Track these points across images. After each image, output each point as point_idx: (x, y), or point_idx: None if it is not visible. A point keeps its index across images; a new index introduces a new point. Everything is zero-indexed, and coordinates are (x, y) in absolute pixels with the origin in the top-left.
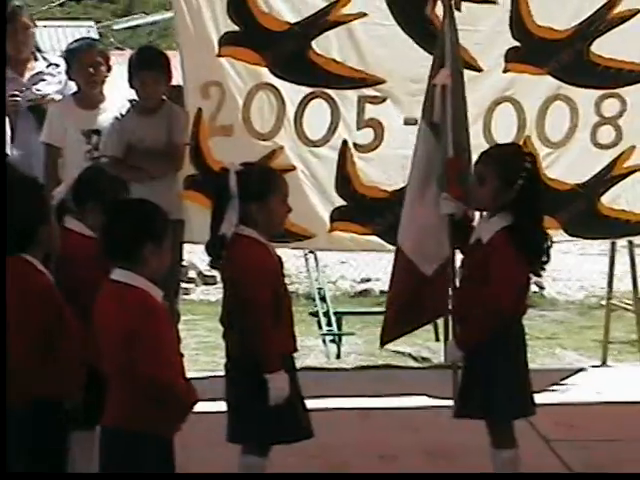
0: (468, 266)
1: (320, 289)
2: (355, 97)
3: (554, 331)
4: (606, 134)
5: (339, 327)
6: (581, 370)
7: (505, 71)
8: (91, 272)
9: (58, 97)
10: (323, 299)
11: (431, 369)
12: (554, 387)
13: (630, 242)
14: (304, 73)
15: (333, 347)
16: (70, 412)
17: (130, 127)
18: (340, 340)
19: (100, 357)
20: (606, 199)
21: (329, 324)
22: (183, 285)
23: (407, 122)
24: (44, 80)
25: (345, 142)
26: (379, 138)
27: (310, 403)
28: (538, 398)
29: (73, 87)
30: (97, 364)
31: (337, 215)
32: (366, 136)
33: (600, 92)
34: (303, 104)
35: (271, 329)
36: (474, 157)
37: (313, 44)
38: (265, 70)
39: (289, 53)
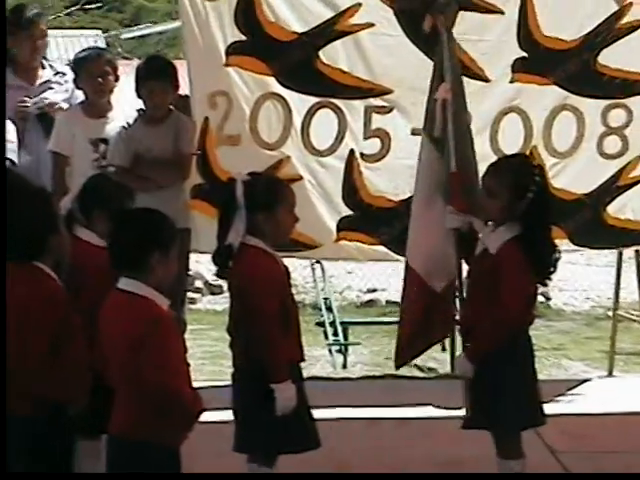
0: (475, 277)
1: (326, 299)
2: (362, 107)
3: (560, 342)
4: (612, 144)
5: (345, 337)
6: (587, 381)
7: (512, 81)
8: (102, 281)
9: (65, 106)
10: (329, 309)
11: (437, 379)
12: (560, 398)
13: (637, 252)
14: (311, 83)
15: (339, 357)
16: (75, 418)
17: (137, 136)
18: (346, 350)
19: (106, 366)
20: (612, 209)
21: (335, 334)
22: (190, 294)
23: (414, 132)
24: (52, 89)
25: (352, 152)
26: (386, 148)
27: (316, 413)
28: (545, 409)
29: (80, 96)
30: (103, 372)
31: (344, 225)
32: (373, 146)
33: (606, 102)
34: (310, 114)
35: (278, 339)
36: (481, 167)
37: (320, 54)
38: (272, 80)
39: (296, 63)
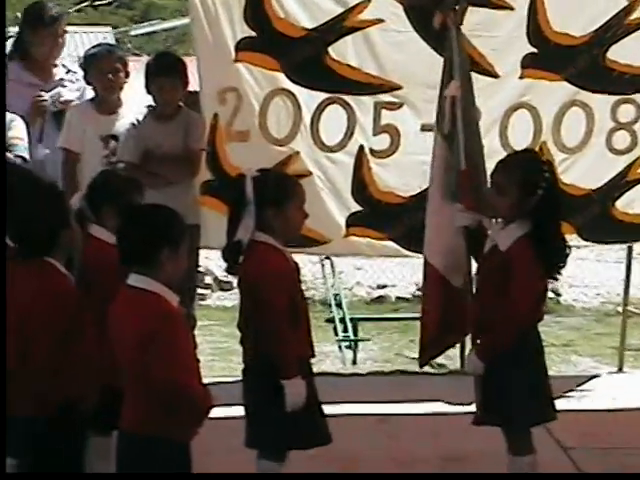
0: (485, 274)
1: (336, 295)
2: (371, 103)
3: (570, 338)
4: (621, 139)
5: (355, 333)
6: (597, 377)
7: (521, 77)
8: (113, 278)
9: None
10: (339, 305)
11: (447, 375)
12: (570, 394)
13: None
14: (320, 79)
15: (349, 353)
16: (86, 415)
17: (147, 133)
18: (356, 346)
19: (116, 362)
20: (621, 204)
21: (345, 330)
22: (199, 291)
23: (424, 128)
24: (65, 87)
25: (361, 147)
26: (395, 144)
27: (326, 409)
28: (555, 404)
29: (90, 93)
30: (113, 369)
31: (353, 220)
32: (382, 142)
33: (616, 98)
34: (319, 110)
35: (288, 335)
36: (490, 163)
37: (330, 50)
38: (281, 75)
39: (306, 59)
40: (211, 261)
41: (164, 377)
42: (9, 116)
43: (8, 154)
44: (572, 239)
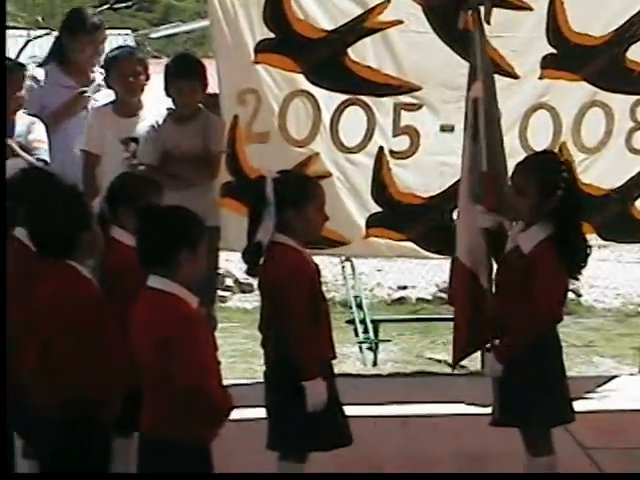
0: (505, 275)
1: (357, 297)
2: (391, 104)
3: (591, 339)
4: None
5: (376, 334)
6: (618, 377)
7: (541, 77)
8: (136, 281)
9: None
10: (360, 306)
11: (468, 376)
12: (591, 394)
13: None
14: (340, 80)
15: (370, 354)
16: (109, 418)
17: (166, 135)
18: (377, 347)
19: (137, 364)
20: (639, 203)
21: (366, 331)
22: (220, 293)
23: (443, 129)
24: (100, 91)
25: (381, 149)
26: (415, 145)
27: (347, 410)
28: (575, 405)
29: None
30: (135, 371)
31: (373, 221)
32: (402, 143)
33: (635, 98)
34: (339, 111)
35: (309, 336)
36: (510, 164)
37: (349, 51)
38: (301, 77)
39: (325, 60)
40: (231, 263)
41: (183, 379)
42: (30, 119)
43: (30, 158)
44: (591, 239)
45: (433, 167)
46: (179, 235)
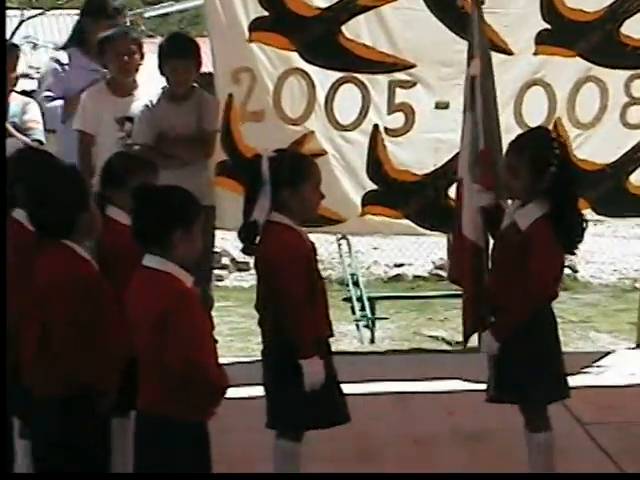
0: (502, 252)
1: (353, 274)
2: (386, 81)
3: (588, 314)
4: (635, 114)
5: (372, 312)
6: (615, 353)
7: (535, 54)
8: (132, 261)
9: None
10: (356, 284)
11: (465, 353)
12: (588, 370)
13: None
14: (334, 58)
15: (367, 332)
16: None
17: (160, 114)
18: (374, 325)
19: (133, 343)
20: (635, 178)
21: (362, 309)
22: (216, 272)
23: (438, 106)
24: None
25: (376, 126)
26: (410, 122)
27: (344, 388)
28: (572, 381)
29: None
30: (131, 350)
31: (368, 199)
32: (397, 120)
33: (630, 73)
34: (334, 89)
35: (305, 315)
36: (505, 140)
37: (343, 29)
38: (295, 55)
39: (319, 38)
40: (227, 242)
41: (179, 357)
42: (24, 99)
43: (25, 138)
44: (587, 214)
45: (428, 144)
46: (174, 214)
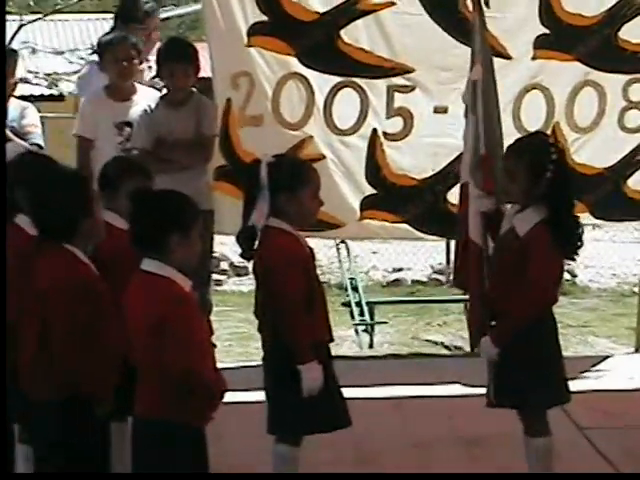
0: (501, 258)
1: (352, 279)
2: (384, 86)
3: (586, 319)
4: (633, 118)
5: (371, 317)
6: (614, 357)
7: (534, 58)
8: (128, 265)
9: None
10: (355, 289)
11: (464, 357)
12: (587, 374)
13: None
14: (333, 62)
15: (366, 337)
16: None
17: (159, 119)
18: (373, 330)
19: (131, 347)
20: (633, 182)
21: (361, 314)
22: (215, 276)
23: (437, 110)
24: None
25: (375, 131)
26: (408, 127)
27: (343, 392)
28: (571, 386)
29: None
30: (129, 354)
31: (367, 203)
32: (395, 125)
33: (627, 77)
34: (332, 93)
35: (303, 320)
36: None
37: (342, 33)
38: (294, 60)
39: (318, 42)
40: (226, 246)
41: (176, 361)
42: (22, 104)
43: (24, 143)
44: (585, 218)
45: (427, 149)
46: (171, 219)
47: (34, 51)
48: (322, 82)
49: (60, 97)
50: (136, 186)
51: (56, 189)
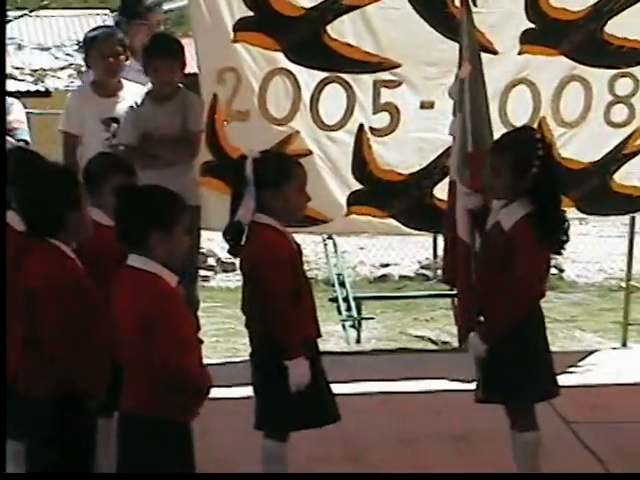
0: (487, 253)
1: (339, 275)
2: (371, 81)
3: (573, 313)
4: (619, 113)
5: (359, 312)
6: (601, 352)
7: (520, 53)
8: (112, 261)
9: None
10: (342, 284)
11: (451, 353)
12: (574, 369)
13: None
14: (319, 58)
15: (353, 332)
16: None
17: (145, 115)
18: (360, 325)
19: (117, 343)
20: (618, 176)
21: (349, 309)
22: (202, 272)
23: (423, 105)
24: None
25: (361, 126)
26: (395, 122)
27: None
28: (558, 380)
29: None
30: (115, 350)
31: (354, 199)
32: (382, 120)
33: (613, 71)
34: (319, 89)
35: (290, 316)
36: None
37: (328, 28)
38: (280, 55)
39: (304, 38)
40: (214, 242)
41: (162, 357)
42: (8, 100)
43: (10, 139)
44: (571, 212)
45: (413, 144)
46: (151, 215)
47: (20, 47)
48: (308, 77)
49: (46, 93)
50: (120, 182)
51: (44, 185)
